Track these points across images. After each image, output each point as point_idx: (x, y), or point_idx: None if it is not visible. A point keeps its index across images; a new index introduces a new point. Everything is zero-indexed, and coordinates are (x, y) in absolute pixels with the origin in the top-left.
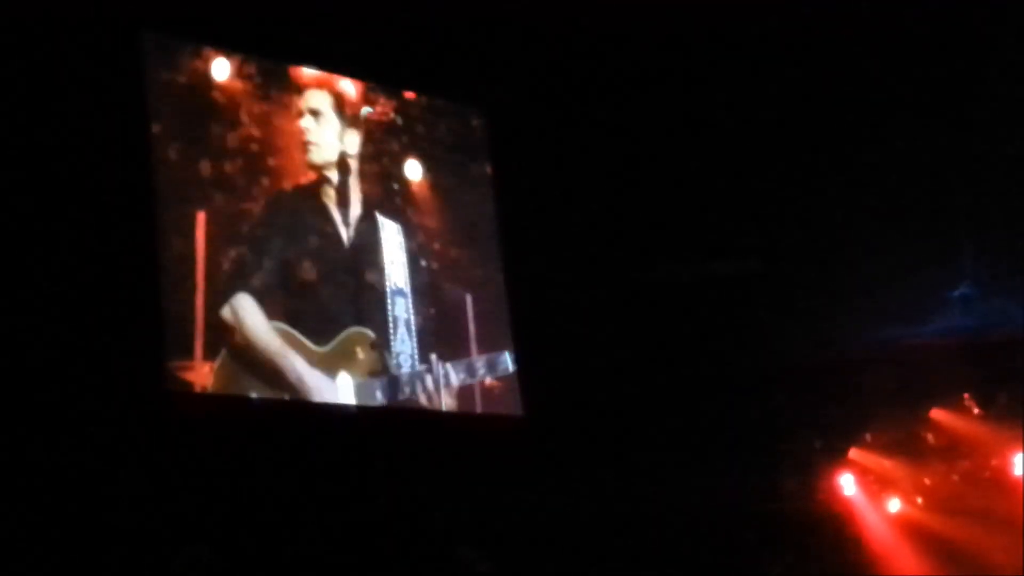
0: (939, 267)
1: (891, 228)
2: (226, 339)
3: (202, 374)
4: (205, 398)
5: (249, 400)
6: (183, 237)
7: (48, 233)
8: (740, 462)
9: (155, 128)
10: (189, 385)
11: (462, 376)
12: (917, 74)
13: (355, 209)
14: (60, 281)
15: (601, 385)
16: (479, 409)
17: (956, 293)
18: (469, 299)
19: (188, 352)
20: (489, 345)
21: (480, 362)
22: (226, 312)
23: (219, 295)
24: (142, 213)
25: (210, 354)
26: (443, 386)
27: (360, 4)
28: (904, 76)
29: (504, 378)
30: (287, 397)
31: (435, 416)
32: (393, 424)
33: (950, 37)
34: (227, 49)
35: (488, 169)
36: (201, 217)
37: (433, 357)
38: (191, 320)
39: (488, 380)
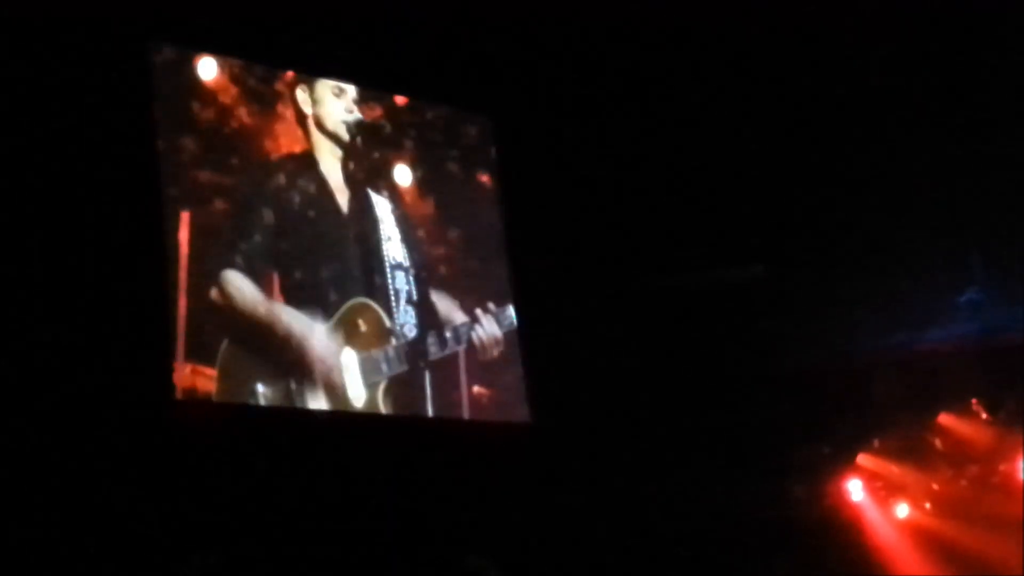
0: (947, 272)
1: (898, 233)
2: (223, 325)
3: (183, 376)
4: (212, 405)
5: (255, 407)
6: (168, 237)
7: (54, 239)
8: (748, 468)
9: (160, 132)
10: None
11: (468, 336)
12: (924, 77)
13: (347, 190)
14: (65, 287)
15: (609, 392)
16: (481, 384)
17: (964, 298)
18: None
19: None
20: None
21: (486, 319)
22: (214, 294)
23: (204, 287)
24: (147, 216)
25: (193, 355)
26: (448, 350)
27: (362, 9)
28: (911, 79)
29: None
30: (293, 384)
31: (443, 423)
32: (401, 430)
33: (957, 40)
34: (222, 53)
35: (485, 177)
36: (185, 217)
37: (435, 329)
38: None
39: (491, 340)
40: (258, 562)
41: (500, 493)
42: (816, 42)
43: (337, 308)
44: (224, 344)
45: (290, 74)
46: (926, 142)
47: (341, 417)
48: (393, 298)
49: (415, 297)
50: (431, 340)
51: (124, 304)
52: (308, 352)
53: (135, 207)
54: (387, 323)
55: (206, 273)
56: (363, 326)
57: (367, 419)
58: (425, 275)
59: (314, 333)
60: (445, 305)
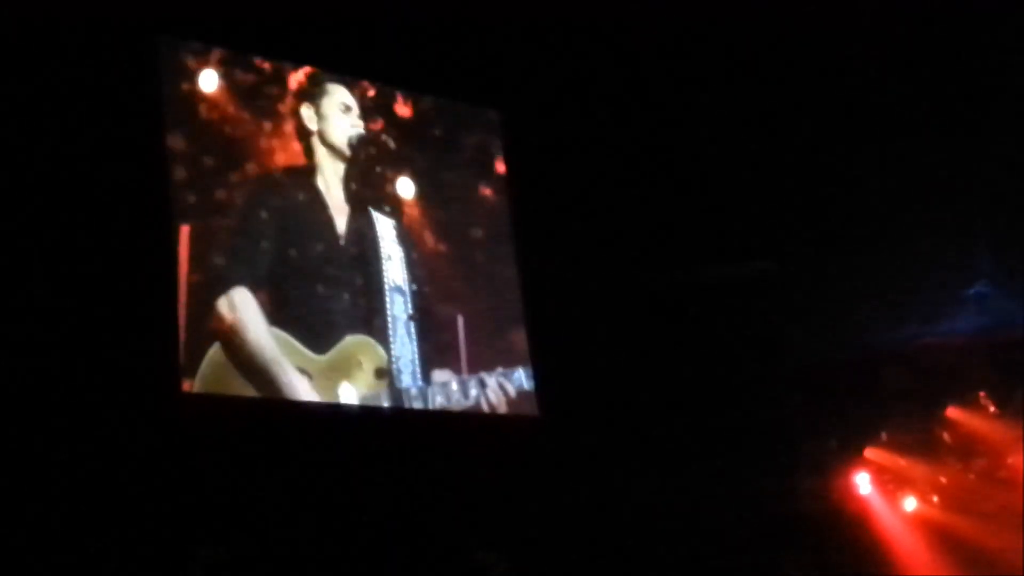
0: (954, 265)
1: (906, 227)
2: (220, 336)
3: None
4: (218, 398)
5: (263, 400)
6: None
7: (67, 241)
8: (756, 462)
9: (170, 140)
10: None
11: (473, 392)
12: (930, 72)
13: (348, 208)
14: (75, 285)
15: (618, 387)
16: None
17: (972, 291)
18: (460, 320)
19: None
20: (481, 364)
21: (491, 377)
22: (222, 305)
23: (203, 303)
24: (155, 225)
25: (189, 373)
26: (452, 402)
27: (370, 8)
28: (917, 75)
29: (515, 399)
30: None
31: (452, 417)
32: (409, 425)
33: (963, 36)
34: (229, 48)
35: (488, 191)
36: (185, 231)
37: (435, 372)
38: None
39: (499, 397)
40: (264, 556)
41: (508, 488)
42: (823, 43)
43: (331, 336)
44: (211, 351)
45: (294, 89)
46: (934, 136)
47: (350, 411)
48: (391, 327)
49: (413, 326)
50: (433, 389)
51: (131, 301)
52: (298, 387)
53: (143, 216)
54: (385, 359)
55: (206, 286)
56: (363, 363)
57: (375, 413)
58: (426, 302)
59: (311, 367)
60: (445, 340)
